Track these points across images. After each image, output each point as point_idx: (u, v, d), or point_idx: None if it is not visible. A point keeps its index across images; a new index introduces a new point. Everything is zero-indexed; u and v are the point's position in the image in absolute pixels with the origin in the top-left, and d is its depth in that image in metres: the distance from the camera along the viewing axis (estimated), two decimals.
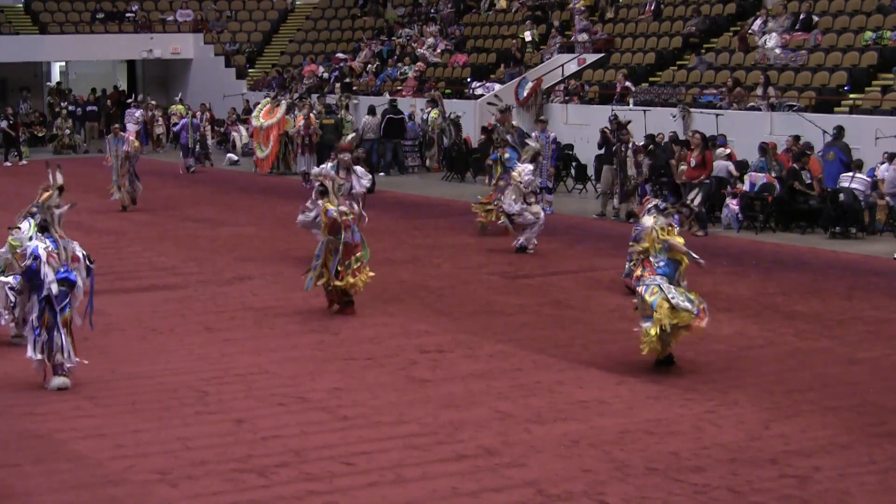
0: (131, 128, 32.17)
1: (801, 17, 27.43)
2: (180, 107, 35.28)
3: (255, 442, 9.22)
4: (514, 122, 22.43)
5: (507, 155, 19.73)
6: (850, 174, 19.96)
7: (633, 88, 28.17)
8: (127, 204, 22.91)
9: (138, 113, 36.54)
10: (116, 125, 25.12)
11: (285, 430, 9.48)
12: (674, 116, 25.34)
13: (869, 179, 19.87)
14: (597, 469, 8.59)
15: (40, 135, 38.25)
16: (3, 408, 10.19)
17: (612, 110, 26.12)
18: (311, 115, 28.82)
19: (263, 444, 9.15)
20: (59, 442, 9.27)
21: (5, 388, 10.81)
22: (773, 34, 27.24)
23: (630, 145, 21.68)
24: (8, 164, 33.10)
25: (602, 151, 22.59)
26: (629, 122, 22.85)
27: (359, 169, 16.61)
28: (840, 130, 21.40)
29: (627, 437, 9.29)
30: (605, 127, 22.38)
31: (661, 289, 10.96)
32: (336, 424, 9.68)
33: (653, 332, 10.87)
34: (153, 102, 37.23)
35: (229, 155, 33.35)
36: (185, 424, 9.68)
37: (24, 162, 32.99)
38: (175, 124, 33.25)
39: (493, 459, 8.80)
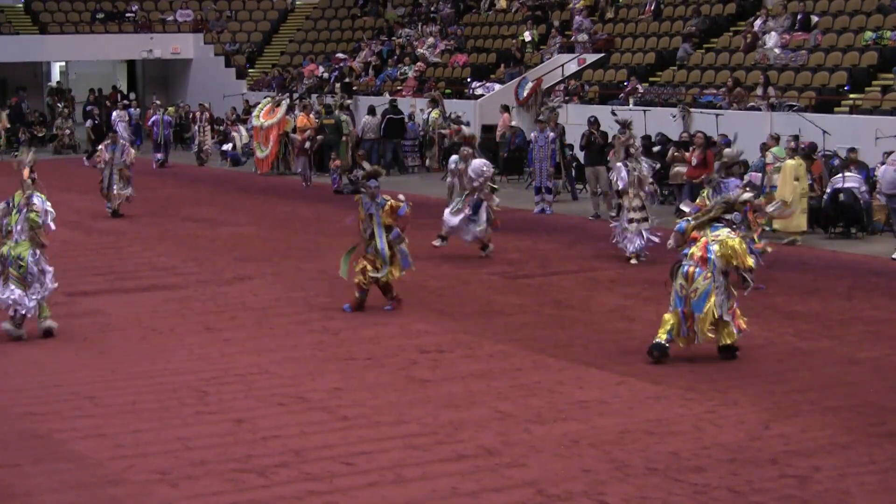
0: (121, 130, 31.83)
1: (800, 17, 27.43)
2: (171, 108, 35.42)
3: (255, 442, 9.22)
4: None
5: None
6: (841, 174, 19.92)
7: (641, 89, 28.16)
8: (117, 208, 22.24)
9: (114, 114, 35.51)
10: (114, 132, 24.48)
11: (285, 430, 9.48)
12: (674, 116, 25.35)
13: (861, 176, 19.84)
14: (597, 469, 8.59)
15: (40, 135, 38.18)
16: (2, 408, 10.19)
17: (613, 110, 26.14)
18: (311, 116, 28.85)
19: (263, 444, 9.15)
20: (59, 442, 9.27)
21: (5, 388, 10.81)
22: (773, 34, 27.24)
23: None
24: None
25: (583, 153, 22.77)
26: (630, 121, 22.82)
27: (475, 162, 17.39)
28: None
29: (627, 437, 9.29)
30: (590, 129, 22.44)
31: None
32: (336, 424, 9.68)
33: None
34: (157, 102, 37.11)
35: (226, 148, 33.37)
36: (185, 424, 9.68)
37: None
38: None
39: (493, 459, 8.80)
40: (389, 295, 14.09)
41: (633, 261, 17.00)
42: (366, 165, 14.96)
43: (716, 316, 11.40)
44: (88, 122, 34.44)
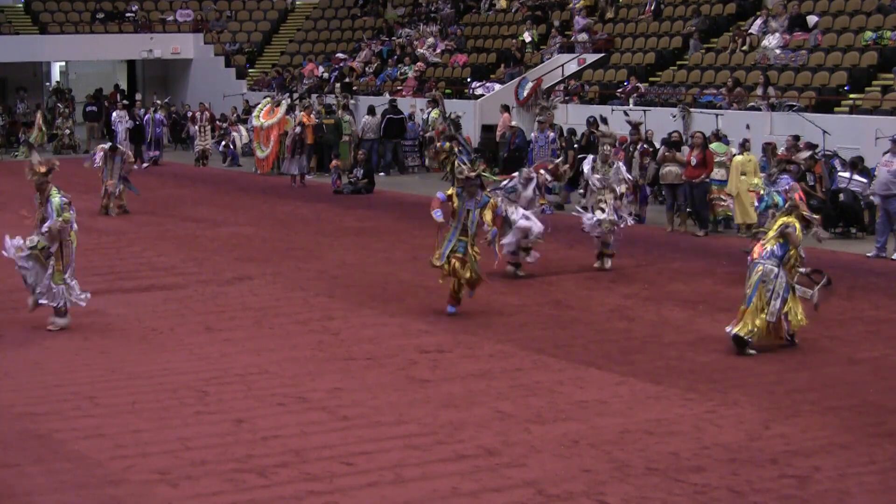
0: (120, 131, 31.75)
1: (800, 17, 27.43)
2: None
3: (255, 442, 9.22)
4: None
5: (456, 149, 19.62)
6: (848, 175, 19.96)
7: (642, 88, 28.17)
8: (109, 206, 22.21)
9: (114, 115, 35.13)
10: (116, 145, 23.92)
11: (285, 430, 9.48)
12: (674, 116, 25.35)
13: (865, 181, 19.86)
14: (597, 469, 8.59)
15: None
16: (2, 408, 10.19)
17: (613, 110, 26.17)
18: (312, 116, 28.85)
19: (263, 444, 9.15)
20: (59, 442, 9.27)
21: (5, 388, 10.81)
22: (775, 34, 27.25)
23: (638, 147, 21.65)
24: (145, 165, 30.58)
25: (582, 153, 22.76)
26: (640, 122, 22.88)
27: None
28: None
29: (627, 437, 9.29)
30: (590, 129, 22.46)
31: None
32: (336, 424, 9.68)
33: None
34: (158, 102, 37.08)
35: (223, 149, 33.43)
36: (185, 424, 9.68)
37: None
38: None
39: (493, 459, 8.80)
40: (459, 295, 13.85)
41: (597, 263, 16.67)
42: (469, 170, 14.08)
43: (762, 320, 11.87)
44: (129, 124, 34.11)
